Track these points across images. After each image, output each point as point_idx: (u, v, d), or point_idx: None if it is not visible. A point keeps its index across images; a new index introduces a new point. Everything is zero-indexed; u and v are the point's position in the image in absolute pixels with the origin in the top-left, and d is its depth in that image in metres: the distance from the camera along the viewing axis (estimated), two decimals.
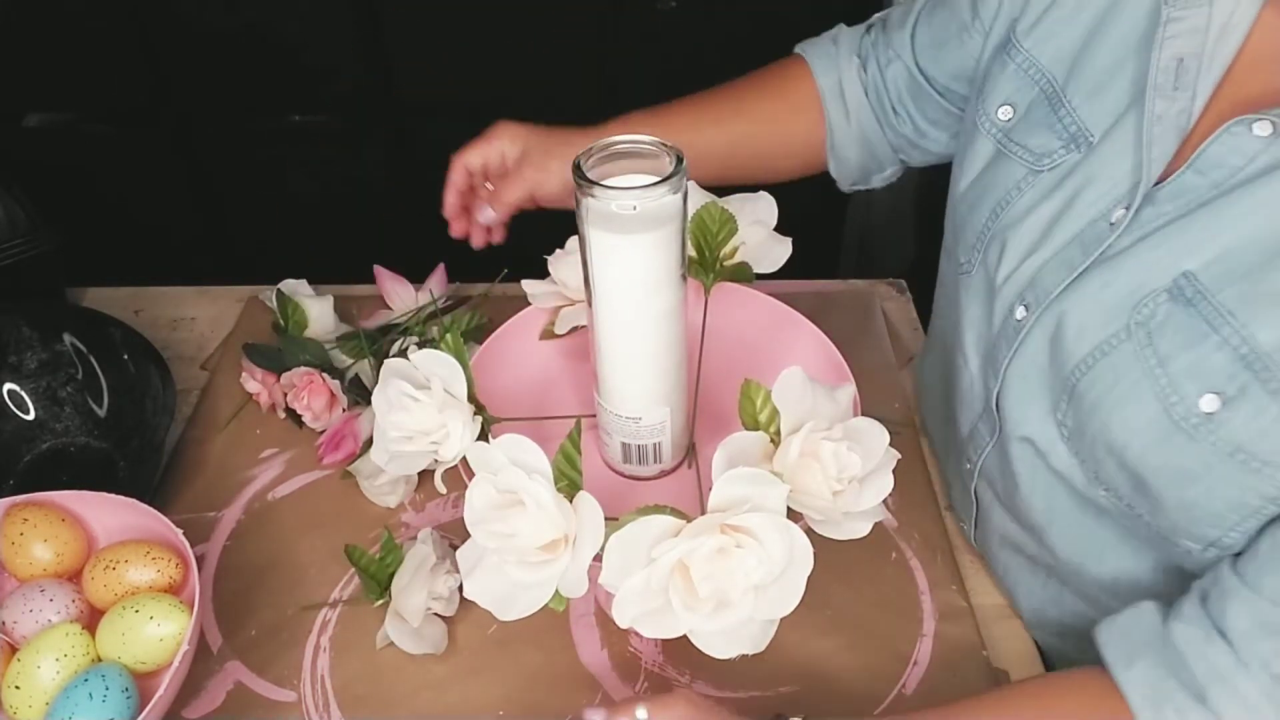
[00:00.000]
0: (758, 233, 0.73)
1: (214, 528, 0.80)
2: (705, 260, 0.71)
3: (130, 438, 0.83)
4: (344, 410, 0.84)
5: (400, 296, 0.95)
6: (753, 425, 0.57)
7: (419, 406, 0.59)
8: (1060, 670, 0.63)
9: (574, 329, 0.75)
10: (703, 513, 0.53)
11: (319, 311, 0.91)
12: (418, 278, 0.96)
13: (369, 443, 0.81)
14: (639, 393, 0.65)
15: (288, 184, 1.58)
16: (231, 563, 0.78)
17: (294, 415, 0.85)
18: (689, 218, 0.62)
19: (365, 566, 0.73)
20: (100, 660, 0.66)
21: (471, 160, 0.82)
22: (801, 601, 0.52)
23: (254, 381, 0.88)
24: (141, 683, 0.65)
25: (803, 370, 0.56)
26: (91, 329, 0.86)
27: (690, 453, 0.71)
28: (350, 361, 0.88)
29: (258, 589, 0.76)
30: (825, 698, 0.69)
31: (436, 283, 0.95)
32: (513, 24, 1.39)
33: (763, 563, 0.51)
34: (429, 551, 0.71)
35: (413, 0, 1.38)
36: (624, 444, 0.68)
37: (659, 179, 0.55)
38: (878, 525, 0.57)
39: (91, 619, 0.68)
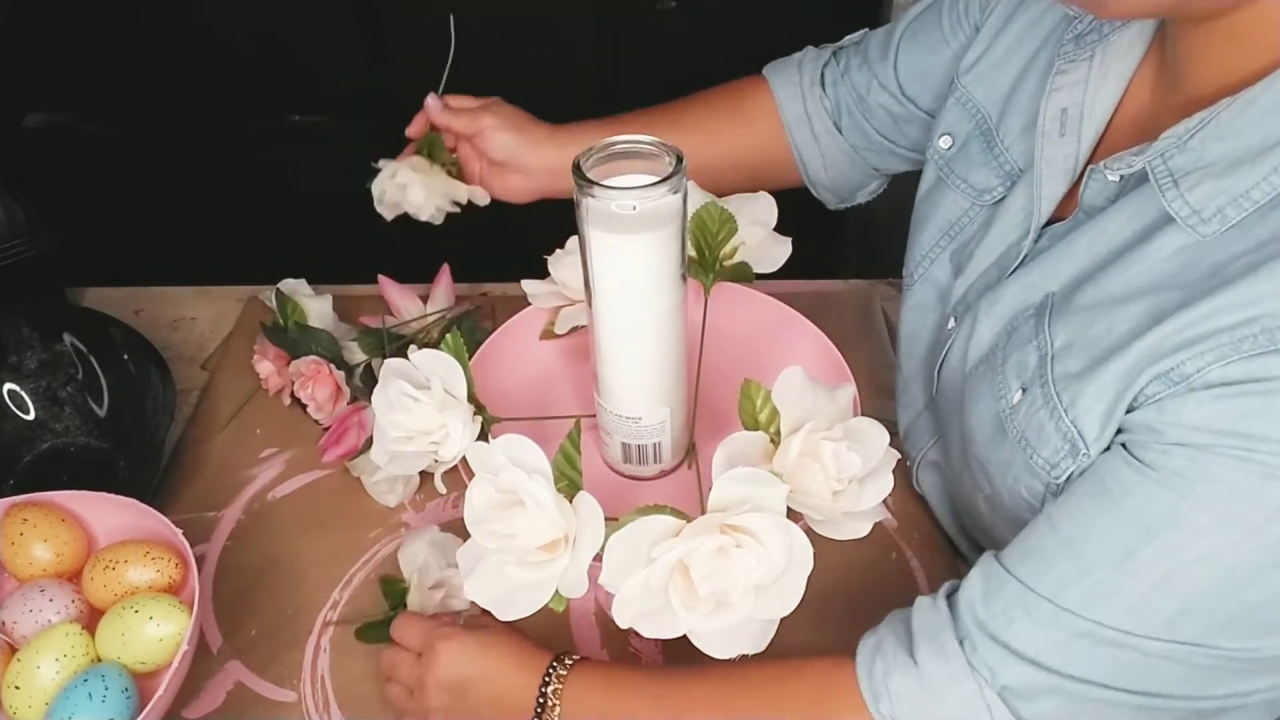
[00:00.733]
0: (757, 233, 0.73)
1: (214, 528, 0.80)
2: (705, 260, 0.71)
3: (130, 438, 0.83)
4: (348, 404, 0.84)
5: (406, 309, 0.93)
6: (753, 425, 0.57)
7: (419, 406, 0.59)
8: None
9: (574, 329, 0.75)
10: (703, 513, 0.53)
11: (318, 311, 0.91)
12: (417, 278, 0.95)
13: (371, 440, 0.81)
14: (639, 393, 0.65)
15: (288, 184, 1.57)
16: (231, 563, 0.78)
17: (300, 404, 0.85)
18: (689, 218, 0.62)
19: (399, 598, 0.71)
20: (100, 660, 0.66)
21: (452, 123, 0.88)
22: (801, 601, 0.52)
23: (266, 362, 0.88)
24: (141, 683, 0.65)
25: (803, 370, 0.56)
26: (91, 329, 0.86)
27: (690, 453, 0.71)
28: (364, 359, 0.88)
29: (258, 589, 0.76)
30: None
31: (444, 290, 0.93)
32: (513, 24, 1.39)
33: (763, 563, 0.51)
34: (427, 558, 0.71)
35: (412, 0, 1.38)
36: (624, 444, 0.68)
37: (659, 179, 0.55)
38: (878, 525, 0.57)
39: (91, 619, 0.68)
